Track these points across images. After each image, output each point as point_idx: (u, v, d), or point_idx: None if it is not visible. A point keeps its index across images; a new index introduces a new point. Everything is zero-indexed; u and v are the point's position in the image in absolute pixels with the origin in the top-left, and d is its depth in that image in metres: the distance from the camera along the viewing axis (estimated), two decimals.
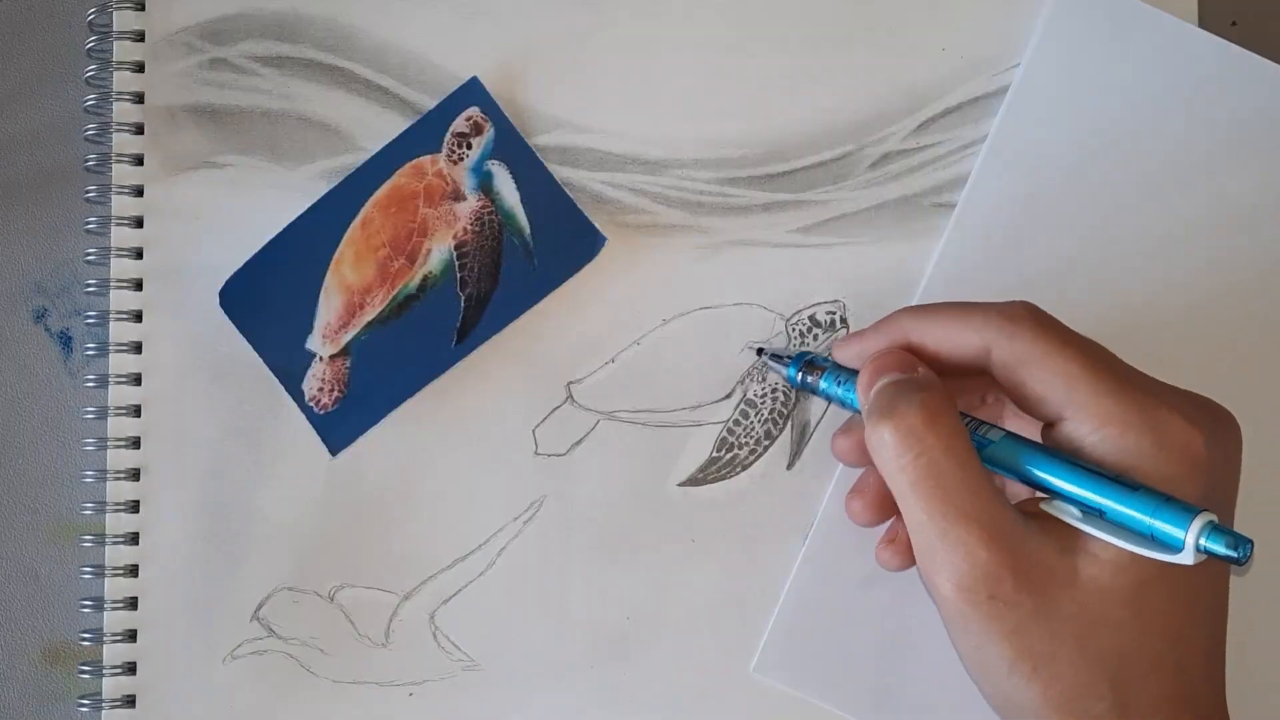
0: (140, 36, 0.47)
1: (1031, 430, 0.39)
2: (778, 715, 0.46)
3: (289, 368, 0.46)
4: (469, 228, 0.46)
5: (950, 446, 0.35)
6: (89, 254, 0.47)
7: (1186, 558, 0.34)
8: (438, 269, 0.46)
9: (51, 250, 0.48)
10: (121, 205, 0.47)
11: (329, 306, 0.46)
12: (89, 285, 0.47)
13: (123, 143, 0.47)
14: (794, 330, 0.47)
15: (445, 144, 0.46)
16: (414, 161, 0.47)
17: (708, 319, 0.47)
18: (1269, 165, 0.46)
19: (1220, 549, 0.33)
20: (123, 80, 0.47)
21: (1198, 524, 0.34)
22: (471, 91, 0.47)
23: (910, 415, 0.35)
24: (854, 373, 0.41)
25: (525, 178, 0.46)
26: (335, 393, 0.46)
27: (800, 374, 0.43)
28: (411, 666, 0.46)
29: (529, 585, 0.46)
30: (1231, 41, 0.47)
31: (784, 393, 0.47)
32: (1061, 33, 0.47)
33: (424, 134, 0.47)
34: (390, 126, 0.47)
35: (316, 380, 0.46)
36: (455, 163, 0.46)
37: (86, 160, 0.47)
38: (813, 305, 0.47)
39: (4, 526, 0.47)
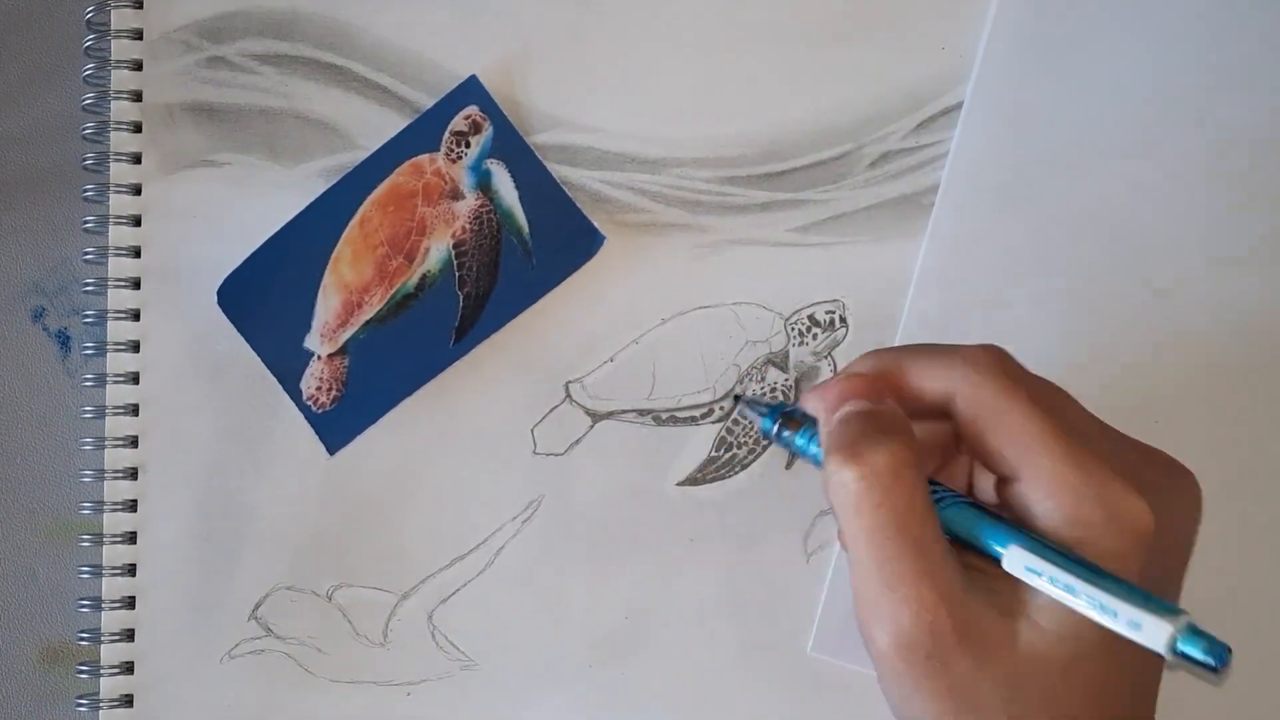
0: (138, 35, 0.47)
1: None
2: (775, 713, 0.46)
3: (287, 367, 0.46)
4: (467, 226, 0.46)
5: (913, 502, 0.34)
6: (87, 253, 0.47)
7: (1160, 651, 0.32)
8: (436, 268, 0.46)
9: (49, 249, 0.48)
10: (119, 204, 0.47)
11: (327, 305, 0.46)
12: (87, 284, 0.47)
13: (120, 141, 0.47)
14: (793, 329, 0.46)
15: (444, 142, 0.46)
16: (412, 160, 0.46)
17: (706, 318, 0.47)
18: (1265, 167, 0.46)
19: (1197, 654, 0.31)
20: (120, 78, 0.47)
21: (1171, 628, 0.32)
22: (470, 90, 0.46)
23: (878, 463, 0.34)
24: None
25: (524, 176, 0.46)
26: (333, 392, 0.46)
27: (776, 426, 0.38)
28: (410, 666, 0.46)
29: (527, 585, 0.46)
30: None
31: (783, 392, 0.46)
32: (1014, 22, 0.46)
33: (422, 132, 0.46)
34: (388, 125, 0.47)
35: (314, 379, 0.46)
36: (454, 161, 0.46)
37: (84, 159, 0.47)
38: (812, 305, 0.47)
39: (2, 526, 0.47)
